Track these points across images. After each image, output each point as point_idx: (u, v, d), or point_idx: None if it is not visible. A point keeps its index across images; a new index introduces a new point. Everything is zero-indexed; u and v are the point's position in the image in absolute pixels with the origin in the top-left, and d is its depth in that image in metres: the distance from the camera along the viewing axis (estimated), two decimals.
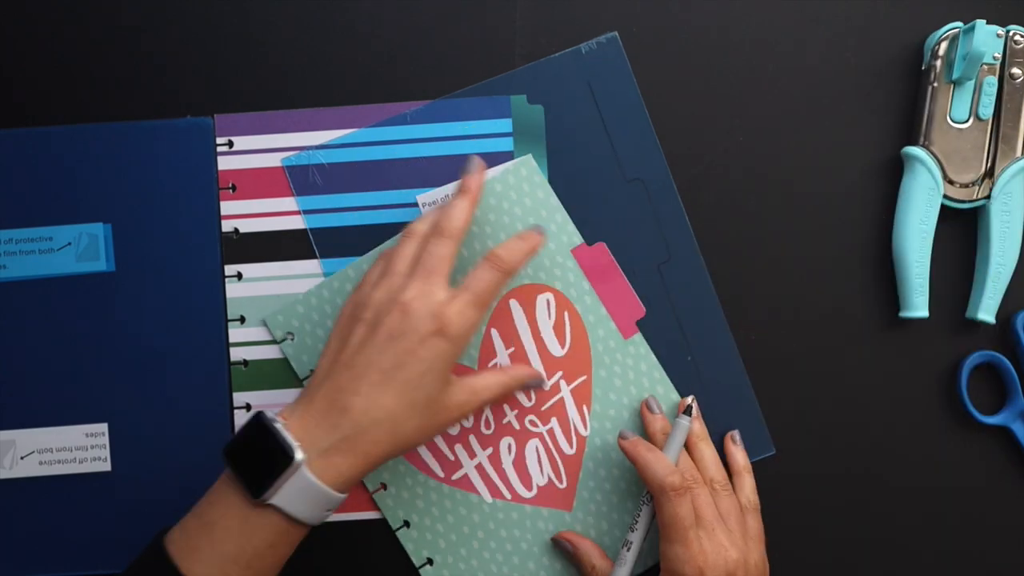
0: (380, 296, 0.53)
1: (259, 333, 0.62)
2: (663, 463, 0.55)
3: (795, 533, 0.62)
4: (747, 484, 0.58)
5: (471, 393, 0.54)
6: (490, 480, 0.59)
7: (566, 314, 0.57)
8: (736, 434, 0.60)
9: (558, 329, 0.57)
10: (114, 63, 0.62)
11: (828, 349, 0.62)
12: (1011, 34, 0.60)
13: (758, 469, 0.61)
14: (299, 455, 0.50)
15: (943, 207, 0.60)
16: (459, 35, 0.62)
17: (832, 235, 0.62)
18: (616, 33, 0.62)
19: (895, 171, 0.62)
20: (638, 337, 0.58)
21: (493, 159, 0.62)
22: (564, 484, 0.59)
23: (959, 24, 0.60)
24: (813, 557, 0.62)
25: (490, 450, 0.59)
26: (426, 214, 0.58)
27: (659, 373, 0.60)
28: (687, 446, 0.58)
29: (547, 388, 0.59)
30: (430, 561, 0.60)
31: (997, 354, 0.61)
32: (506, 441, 0.58)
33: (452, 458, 0.60)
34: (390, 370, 0.51)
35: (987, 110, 0.60)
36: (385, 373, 0.51)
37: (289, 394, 0.62)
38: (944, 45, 0.60)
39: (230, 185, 0.62)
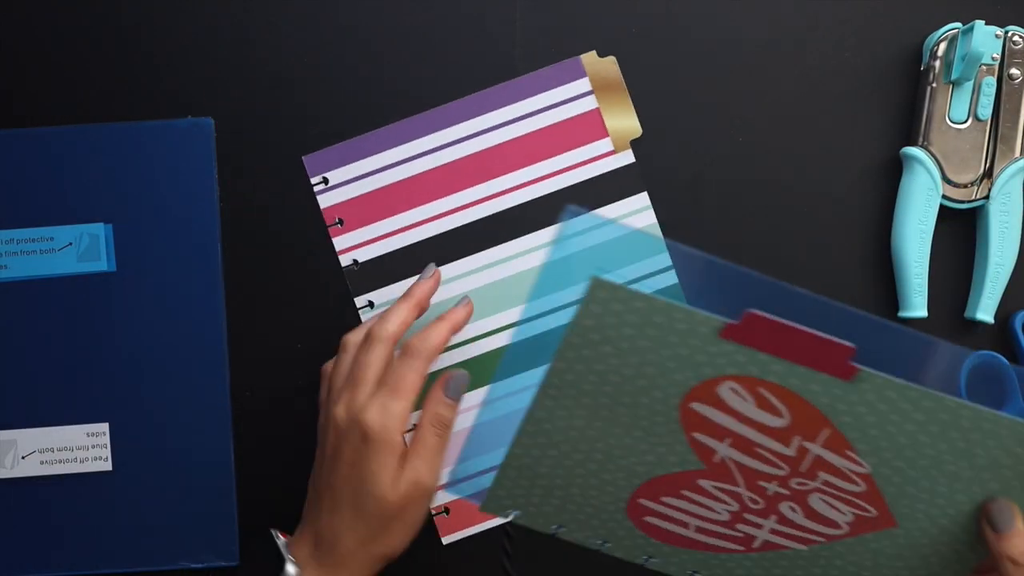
0: (321, 420, 0.55)
1: None
2: None
3: None
4: None
5: (421, 469, 0.53)
6: (794, 535, 0.52)
7: (761, 389, 0.47)
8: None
9: (764, 405, 0.48)
10: (114, 63, 0.62)
11: None
12: (1009, 35, 0.60)
13: None
14: (290, 568, 0.52)
15: (942, 207, 0.60)
16: (458, 38, 0.62)
17: (831, 235, 0.62)
18: None
19: (894, 171, 0.62)
20: (864, 374, 0.45)
21: (581, 121, 0.62)
22: (874, 512, 0.50)
23: (958, 25, 0.60)
24: None
25: (774, 517, 0.52)
26: (363, 323, 0.58)
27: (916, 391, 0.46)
28: None
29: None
30: None
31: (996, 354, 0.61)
32: (786, 504, 0.51)
33: (741, 535, 0.53)
34: (338, 489, 0.52)
35: (986, 110, 0.60)
36: (335, 494, 0.52)
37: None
38: (943, 46, 0.60)
39: (337, 220, 0.62)
